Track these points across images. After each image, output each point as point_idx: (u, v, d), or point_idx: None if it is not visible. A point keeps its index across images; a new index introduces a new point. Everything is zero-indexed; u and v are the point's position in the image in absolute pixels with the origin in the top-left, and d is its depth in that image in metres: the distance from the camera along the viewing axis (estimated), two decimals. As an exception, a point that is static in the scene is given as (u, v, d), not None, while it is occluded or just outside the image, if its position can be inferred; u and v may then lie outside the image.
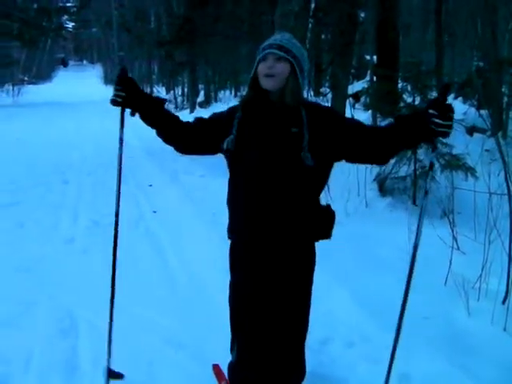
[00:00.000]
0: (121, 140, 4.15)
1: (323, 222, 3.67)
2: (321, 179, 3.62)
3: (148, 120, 3.82)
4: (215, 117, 3.78)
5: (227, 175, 3.72)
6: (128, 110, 3.84)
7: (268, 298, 3.68)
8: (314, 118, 3.49)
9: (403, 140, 3.40)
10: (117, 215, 4.33)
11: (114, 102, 3.79)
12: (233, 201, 3.72)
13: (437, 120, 3.17)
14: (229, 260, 3.82)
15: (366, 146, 3.45)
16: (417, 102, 8.89)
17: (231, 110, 3.71)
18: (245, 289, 3.73)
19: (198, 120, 3.83)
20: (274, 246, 3.60)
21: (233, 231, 3.75)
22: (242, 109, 3.60)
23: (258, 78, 3.51)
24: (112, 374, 4.17)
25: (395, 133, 3.38)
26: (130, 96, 3.74)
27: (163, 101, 3.88)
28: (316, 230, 3.66)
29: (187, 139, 3.82)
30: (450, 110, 3.18)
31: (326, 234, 3.70)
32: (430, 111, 3.19)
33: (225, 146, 3.55)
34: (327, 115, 3.56)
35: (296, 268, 3.67)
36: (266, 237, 3.57)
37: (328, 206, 3.71)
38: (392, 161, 8.98)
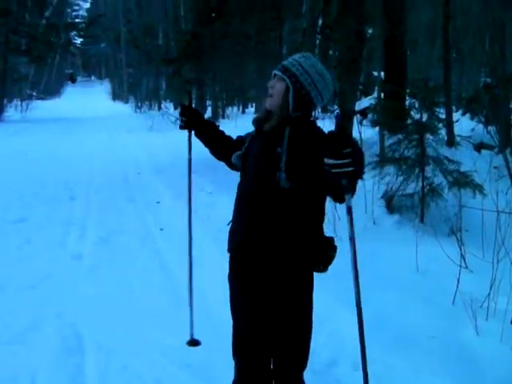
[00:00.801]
0: (189, 161, 4.96)
1: (317, 253, 3.50)
2: (301, 202, 3.42)
3: (202, 139, 4.27)
4: (242, 136, 3.91)
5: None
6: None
7: (256, 314, 3.59)
8: (297, 138, 3.40)
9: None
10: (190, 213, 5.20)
11: (180, 127, 4.48)
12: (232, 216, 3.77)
13: (329, 161, 2.86)
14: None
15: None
16: (424, 119, 8.87)
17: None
18: (234, 303, 3.71)
19: (238, 137, 3.99)
20: (255, 264, 3.54)
21: (228, 245, 3.76)
22: (254, 126, 3.69)
23: None
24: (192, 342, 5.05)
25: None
26: (192, 121, 4.36)
27: (217, 127, 4.29)
28: (304, 258, 3.49)
29: (223, 155, 4.05)
30: (344, 144, 2.84)
31: (321, 265, 3.52)
32: (326, 151, 2.88)
33: (232, 160, 3.72)
34: (312, 138, 3.39)
35: (281, 290, 3.52)
36: (246, 254, 3.57)
37: (330, 238, 3.56)
38: (400, 178, 8.97)
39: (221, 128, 4.27)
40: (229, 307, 3.74)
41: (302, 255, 3.47)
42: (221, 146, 4.09)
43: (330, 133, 2.88)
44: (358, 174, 2.91)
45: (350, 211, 3.14)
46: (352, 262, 3.19)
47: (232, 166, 3.91)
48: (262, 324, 3.57)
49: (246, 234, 3.55)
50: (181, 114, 4.42)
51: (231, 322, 3.72)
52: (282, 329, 3.56)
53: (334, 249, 3.53)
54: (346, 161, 2.81)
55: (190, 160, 4.95)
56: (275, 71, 3.52)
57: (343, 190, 3.03)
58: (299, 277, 3.53)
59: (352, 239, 3.18)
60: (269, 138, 3.50)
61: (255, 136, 3.66)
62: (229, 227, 3.73)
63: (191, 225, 5.14)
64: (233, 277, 3.71)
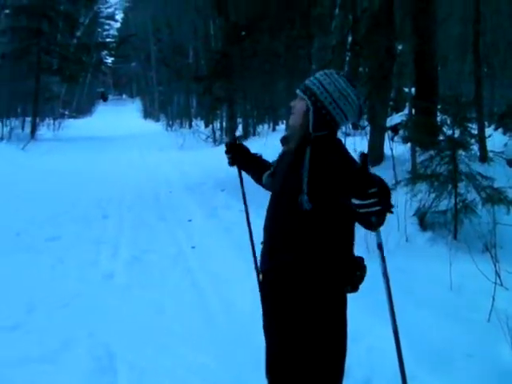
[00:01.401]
0: (243, 195, 4.78)
1: (346, 273, 3.48)
2: (325, 223, 3.39)
3: (248, 173, 4.35)
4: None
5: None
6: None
7: (287, 336, 3.54)
8: (317, 161, 3.37)
9: None
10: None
11: (229, 164, 4.51)
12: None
13: (356, 201, 2.89)
14: None
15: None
16: (456, 135, 8.80)
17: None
18: (266, 324, 3.71)
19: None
20: (284, 286, 3.52)
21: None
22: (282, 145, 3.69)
23: None
24: None
25: None
26: (237, 158, 4.40)
27: (260, 157, 4.37)
28: (332, 278, 3.46)
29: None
30: (369, 184, 2.85)
31: (351, 285, 3.50)
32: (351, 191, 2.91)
33: (263, 180, 3.84)
34: (335, 158, 3.36)
35: (310, 310, 3.47)
36: (272, 277, 3.58)
37: (359, 258, 3.52)
38: (432, 195, 8.89)
39: (257, 151, 4.39)
40: (261, 326, 3.74)
41: (329, 276, 3.43)
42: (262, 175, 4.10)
43: (357, 171, 2.89)
44: (385, 211, 2.97)
45: (380, 247, 3.18)
46: (388, 301, 3.25)
47: (265, 187, 4.01)
48: (292, 345, 3.52)
49: (272, 255, 3.57)
50: (226, 152, 4.42)
51: (264, 341, 3.70)
52: (313, 349, 3.50)
53: (364, 269, 3.49)
54: (372, 200, 2.83)
55: (243, 194, 4.78)
56: (297, 90, 3.54)
57: (372, 225, 3.06)
58: (327, 297, 3.48)
59: (385, 275, 3.20)
60: (292, 157, 3.50)
61: (282, 155, 3.69)
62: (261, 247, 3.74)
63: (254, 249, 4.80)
64: (264, 298, 3.71)
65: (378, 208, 2.85)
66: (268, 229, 3.61)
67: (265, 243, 3.65)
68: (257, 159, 4.29)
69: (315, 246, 3.40)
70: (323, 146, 3.44)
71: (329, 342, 3.52)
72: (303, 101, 3.47)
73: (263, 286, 3.69)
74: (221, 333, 6.04)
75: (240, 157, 4.36)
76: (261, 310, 3.75)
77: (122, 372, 5.20)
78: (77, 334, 6.00)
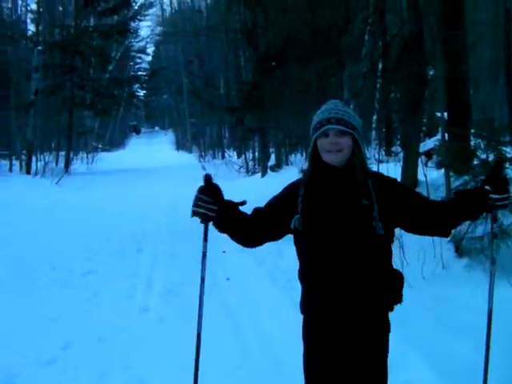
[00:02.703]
0: (203, 254, 4.14)
1: (395, 286, 3.65)
2: (389, 245, 3.65)
3: (222, 230, 3.85)
4: (273, 202, 3.77)
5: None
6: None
7: (345, 368, 3.57)
8: (381, 188, 3.54)
9: (464, 214, 3.60)
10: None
11: (202, 217, 3.77)
12: (306, 277, 3.67)
13: (494, 196, 3.47)
14: (303, 333, 3.71)
15: (429, 219, 3.58)
16: (490, 159, 8.70)
17: (290, 188, 3.71)
18: (322, 361, 3.61)
19: (255, 213, 3.81)
20: (352, 319, 3.54)
21: (308, 307, 3.68)
22: (305, 186, 3.59)
23: (320, 153, 3.52)
24: None
25: (456, 207, 3.56)
26: (218, 209, 3.70)
27: (238, 204, 3.80)
28: (390, 296, 3.63)
29: (251, 237, 3.88)
30: (505, 183, 3.50)
31: (399, 298, 3.66)
32: (486, 187, 3.48)
33: (292, 225, 3.55)
34: (392, 185, 3.64)
35: (372, 337, 3.57)
36: (345, 311, 3.52)
37: (397, 270, 3.70)
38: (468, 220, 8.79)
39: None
40: (300, 360, 3.70)
41: (383, 293, 3.58)
42: (241, 230, 3.83)
43: (492, 174, 3.55)
44: (507, 206, 3.57)
45: (495, 236, 4.18)
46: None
47: (253, 245, 3.93)
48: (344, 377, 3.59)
49: (348, 290, 3.50)
50: (206, 198, 3.70)
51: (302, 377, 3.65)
52: (362, 376, 3.57)
53: (402, 277, 3.68)
54: (508, 195, 3.49)
55: (203, 253, 4.16)
56: (334, 126, 3.46)
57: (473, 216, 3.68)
58: (382, 318, 3.63)
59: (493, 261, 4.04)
60: (350, 192, 3.50)
61: (312, 195, 3.56)
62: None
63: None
64: (319, 338, 3.62)
65: (507, 202, 3.50)
66: (337, 267, 3.49)
67: (337, 282, 3.51)
68: (235, 214, 3.79)
69: (386, 269, 3.60)
70: (375, 175, 3.70)
71: (379, 368, 3.64)
72: (347, 136, 3.47)
73: (348, 323, 3.58)
74: (256, 366, 6.00)
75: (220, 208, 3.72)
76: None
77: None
78: (112, 368, 6.02)
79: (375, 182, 3.56)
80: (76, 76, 36.60)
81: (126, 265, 10.74)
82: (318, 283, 3.57)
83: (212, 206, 3.66)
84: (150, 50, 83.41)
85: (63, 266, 10.49)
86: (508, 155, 9.13)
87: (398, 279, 3.65)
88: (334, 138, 3.45)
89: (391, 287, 3.61)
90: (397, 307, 3.68)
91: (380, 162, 13.89)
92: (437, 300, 7.14)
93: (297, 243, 3.66)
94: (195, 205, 3.68)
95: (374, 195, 3.49)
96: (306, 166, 3.69)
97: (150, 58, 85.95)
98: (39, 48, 32.87)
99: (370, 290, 3.51)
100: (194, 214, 3.72)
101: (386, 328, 3.65)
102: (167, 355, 6.29)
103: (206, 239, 3.94)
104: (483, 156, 8.88)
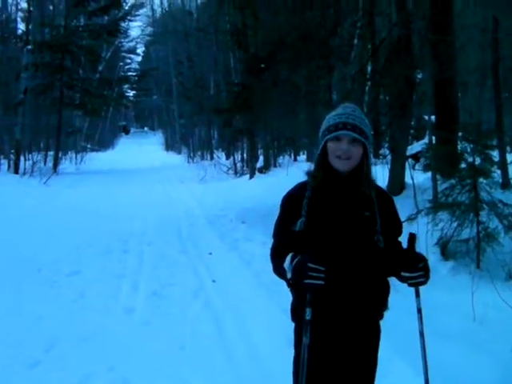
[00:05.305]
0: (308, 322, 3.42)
1: (385, 294, 3.67)
2: (388, 257, 3.56)
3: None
4: (286, 222, 3.54)
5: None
6: None
7: (340, 373, 3.58)
8: (382, 201, 3.59)
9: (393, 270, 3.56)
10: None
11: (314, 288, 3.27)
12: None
13: (405, 274, 3.43)
14: (295, 339, 3.63)
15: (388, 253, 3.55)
16: (477, 162, 8.73)
17: (297, 189, 3.61)
18: (319, 366, 3.56)
19: (286, 235, 3.51)
20: (349, 325, 3.54)
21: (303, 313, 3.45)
22: (312, 189, 3.53)
23: (328, 157, 3.47)
24: None
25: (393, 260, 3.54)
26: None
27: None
28: (381, 304, 3.66)
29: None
30: (418, 261, 3.42)
31: (387, 305, 3.69)
32: (402, 263, 3.44)
33: (297, 227, 3.44)
34: (389, 201, 3.69)
35: (367, 343, 3.62)
36: (341, 316, 3.52)
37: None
38: (454, 223, 8.81)
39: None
40: (286, 365, 3.71)
41: (379, 302, 3.63)
42: None
43: (406, 250, 3.48)
44: (426, 282, 3.46)
45: (420, 311, 3.63)
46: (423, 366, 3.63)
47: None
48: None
49: (346, 297, 3.48)
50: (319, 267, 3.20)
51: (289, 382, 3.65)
52: (355, 374, 3.62)
53: (389, 286, 3.69)
54: (420, 273, 3.41)
55: None
56: (350, 133, 3.39)
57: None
58: (375, 324, 3.68)
59: (422, 335, 3.60)
60: (354, 201, 3.49)
61: (318, 198, 3.50)
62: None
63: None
64: (321, 339, 3.55)
65: (423, 279, 3.44)
66: (343, 274, 3.45)
67: (339, 293, 3.48)
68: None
69: (380, 281, 3.61)
70: (377, 188, 3.65)
71: (371, 368, 3.70)
72: (359, 144, 3.43)
73: (344, 328, 3.57)
74: (241, 369, 5.98)
75: None
76: (291, 348, 3.68)
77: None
78: (96, 369, 6.00)
79: (378, 194, 3.57)
80: (65, 76, 36.53)
81: (113, 265, 10.70)
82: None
83: (323, 275, 3.22)
84: (140, 50, 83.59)
85: (49, 266, 10.43)
86: (495, 159, 9.16)
87: (387, 287, 3.66)
88: (347, 145, 3.40)
89: (382, 295, 3.63)
90: (386, 314, 3.72)
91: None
92: (423, 304, 7.13)
93: (297, 248, 3.39)
94: (308, 277, 3.20)
95: (377, 208, 3.51)
96: (312, 167, 3.62)
97: (139, 59, 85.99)
98: (29, 47, 32.81)
99: (366, 298, 3.51)
100: (307, 287, 3.25)
101: (377, 334, 3.68)
102: (152, 356, 6.28)
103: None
104: (470, 159, 8.89)
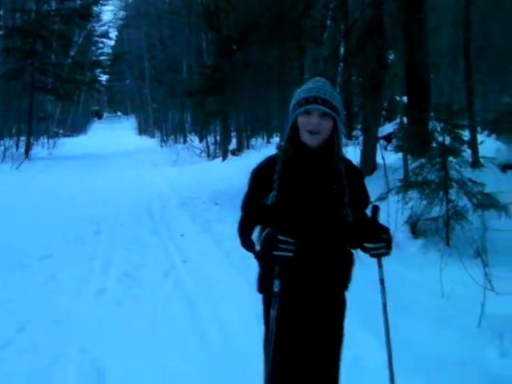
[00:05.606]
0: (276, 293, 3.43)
1: (350, 266, 3.71)
2: (356, 231, 3.59)
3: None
4: (256, 194, 3.55)
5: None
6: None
7: (308, 342, 3.62)
8: (351, 175, 3.60)
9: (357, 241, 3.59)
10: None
11: (282, 260, 3.26)
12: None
13: (368, 245, 3.47)
14: (264, 310, 3.63)
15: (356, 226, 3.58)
16: (447, 142, 8.76)
17: (267, 163, 3.59)
18: (288, 335, 3.58)
19: (255, 217, 3.49)
20: (316, 296, 3.58)
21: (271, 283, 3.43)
22: (282, 162, 3.52)
23: (299, 131, 3.46)
24: None
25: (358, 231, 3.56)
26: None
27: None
28: (347, 275, 3.69)
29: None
30: (380, 231, 3.47)
31: (351, 276, 3.74)
32: (365, 234, 3.48)
33: (269, 201, 3.43)
34: (358, 175, 3.73)
35: (333, 313, 3.67)
36: (309, 287, 3.55)
37: (349, 249, 3.71)
38: (424, 202, 8.86)
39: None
40: (257, 342, 3.73)
41: (346, 275, 3.68)
42: None
43: (370, 220, 3.53)
44: (389, 253, 3.50)
45: (382, 282, 3.69)
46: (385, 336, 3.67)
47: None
48: (338, 347, 3.73)
49: (318, 266, 3.51)
50: (288, 239, 3.21)
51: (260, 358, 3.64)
52: (339, 348, 3.72)
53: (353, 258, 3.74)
54: (381, 244, 3.45)
55: None
56: (320, 107, 3.39)
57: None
58: (341, 295, 3.72)
59: (384, 306, 3.68)
60: (323, 175, 3.51)
61: (288, 172, 3.49)
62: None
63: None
64: (290, 310, 3.56)
65: (385, 251, 3.48)
66: (312, 246, 3.47)
67: (308, 264, 3.49)
68: None
69: (347, 254, 3.67)
70: (347, 162, 3.67)
71: (339, 343, 3.75)
72: (330, 119, 3.42)
73: (311, 299, 3.60)
74: (213, 347, 5.99)
75: None
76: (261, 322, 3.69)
77: (112, 389, 5.15)
78: (67, 350, 5.97)
79: (347, 168, 3.59)
80: (37, 60, 36.18)
81: (85, 248, 10.65)
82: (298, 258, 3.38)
83: (293, 247, 3.23)
84: (113, 34, 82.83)
85: (21, 250, 10.37)
86: (465, 139, 9.21)
87: (351, 259, 3.69)
88: (317, 119, 3.40)
89: (348, 267, 3.67)
90: (350, 286, 3.73)
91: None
92: (390, 279, 7.16)
93: (267, 218, 3.38)
94: (278, 249, 3.21)
95: (346, 182, 3.52)
96: (283, 142, 3.63)
97: (112, 43, 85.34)
98: (0, 32, 32.46)
99: (333, 269, 3.55)
100: (276, 259, 3.27)
101: (343, 305, 3.72)
102: (123, 337, 6.27)
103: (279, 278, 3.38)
104: (440, 139, 8.92)
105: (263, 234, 3.27)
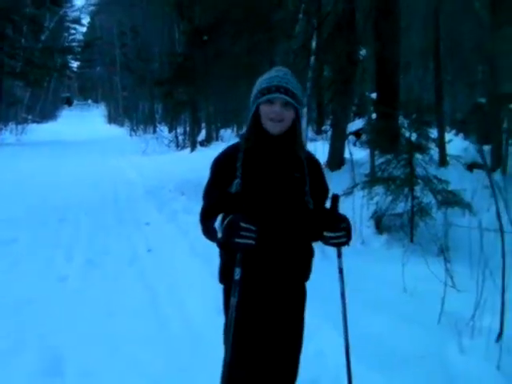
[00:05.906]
0: (237, 281, 3.42)
1: (310, 258, 3.73)
2: (319, 219, 3.59)
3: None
4: (219, 182, 3.54)
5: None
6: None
7: (268, 333, 3.63)
8: (311, 165, 3.64)
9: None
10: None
11: (245, 248, 3.26)
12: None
13: (328, 234, 3.49)
14: (224, 302, 3.64)
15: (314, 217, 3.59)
16: (413, 138, 8.81)
17: (229, 151, 3.59)
18: (248, 326, 3.58)
19: (220, 206, 3.46)
20: (277, 285, 3.59)
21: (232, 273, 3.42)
22: (244, 151, 3.52)
23: (261, 119, 3.47)
24: None
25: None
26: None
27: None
28: (307, 267, 3.70)
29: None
30: (340, 221, 3.50)
31: (311, 267, 3.74)
32: (325, 224, 3.50)
33: (233, 189, 3.43)
34: (317, 166, 3.74)
35: (294, 304, 3.68)
36: (270, 277, 3.54)
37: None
38: (389, 198, 8.91)
39: None
40: (217, 332, 3.73)
41: (306, 265, 3.70)
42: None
43: (328, 210, 3.55)
44: (348, 242, 3.55)
45: (341, 272, 3.69)
46: (342, 317, 3.69)
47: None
48: (299, 338, 3.75)
49: (275, 257, 3.51)
50: (251, 227, 3.23)
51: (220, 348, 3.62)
52: (299, 340, 3.74)
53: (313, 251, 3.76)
54: (341, 233, 3.49)
55: None
56: (282, 96, 3.41)
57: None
58: (302, 286, 3.73)
59: (343, 296, 3.70)
60: (285, 163, 3.53)
61: (251, 160, 3.50)
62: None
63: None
64: (269, 298, 3.61)
65: (345, 240, 3.52)
66: (275, 234, 3.48)
67: (270, 253, 3.49)
68: None
69: (308, 243, 3.68)
70: (307, 151, 3.72)
71: (299, 334, 3.77)
72: (292, 108, 3.45)
73: (272, 288, 3.60)
74: (173, 336, 5.99)
75: None
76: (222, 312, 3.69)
77: (70, 375, 5.12)
78: (27, 337, 5.93)
79: (307, 159, 3.62)
80: (7, 45, 35.80)
81: (49, 235, 10.61)
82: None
83: (254, 235, 3.24)
84: (85, 21, 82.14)
85: (-17, 235, 10.28)
86: (432, 135, 9.26)
87: (311, 250, 3.72)
88: (279, 108, 3.41)
89: (308, 257, 3.69)
90: (313, 279, 3.74)
91: (310, 140, 13.99)
92: (353, 274, 7.18)
93: (229, 209, 3.35)
94: (240, 236, 3.21)
95: (307, 170, 3.56)
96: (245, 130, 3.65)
97: (84, 30, 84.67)
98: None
99: (294, 258, 3.56)
100: (238, 246, 3.27)
101: (303, 296, 3.74)
102: (83, 324, 6.23)
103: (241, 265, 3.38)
104: (407, 135, 8.97)
105: (225, 222, 3.27)
